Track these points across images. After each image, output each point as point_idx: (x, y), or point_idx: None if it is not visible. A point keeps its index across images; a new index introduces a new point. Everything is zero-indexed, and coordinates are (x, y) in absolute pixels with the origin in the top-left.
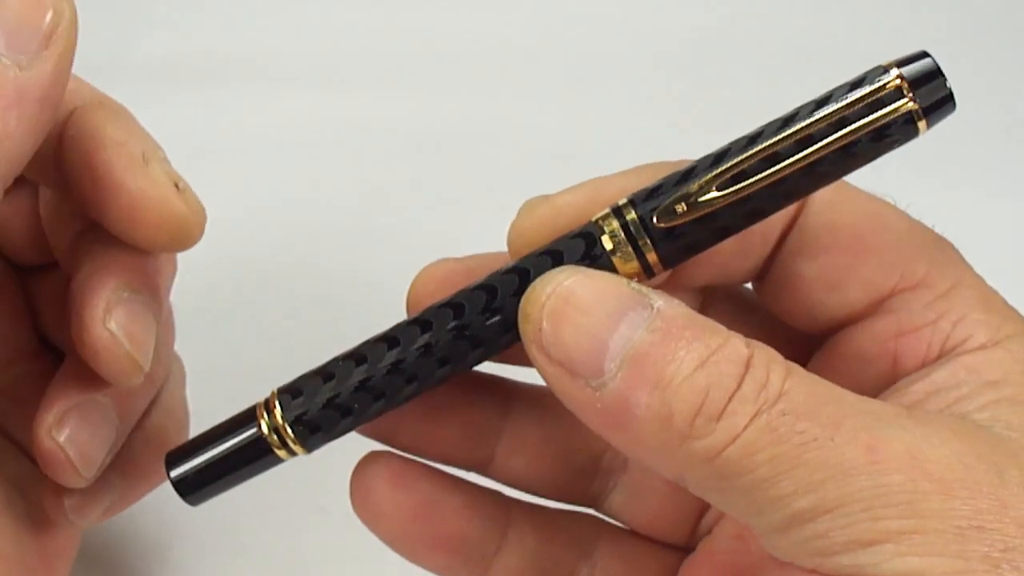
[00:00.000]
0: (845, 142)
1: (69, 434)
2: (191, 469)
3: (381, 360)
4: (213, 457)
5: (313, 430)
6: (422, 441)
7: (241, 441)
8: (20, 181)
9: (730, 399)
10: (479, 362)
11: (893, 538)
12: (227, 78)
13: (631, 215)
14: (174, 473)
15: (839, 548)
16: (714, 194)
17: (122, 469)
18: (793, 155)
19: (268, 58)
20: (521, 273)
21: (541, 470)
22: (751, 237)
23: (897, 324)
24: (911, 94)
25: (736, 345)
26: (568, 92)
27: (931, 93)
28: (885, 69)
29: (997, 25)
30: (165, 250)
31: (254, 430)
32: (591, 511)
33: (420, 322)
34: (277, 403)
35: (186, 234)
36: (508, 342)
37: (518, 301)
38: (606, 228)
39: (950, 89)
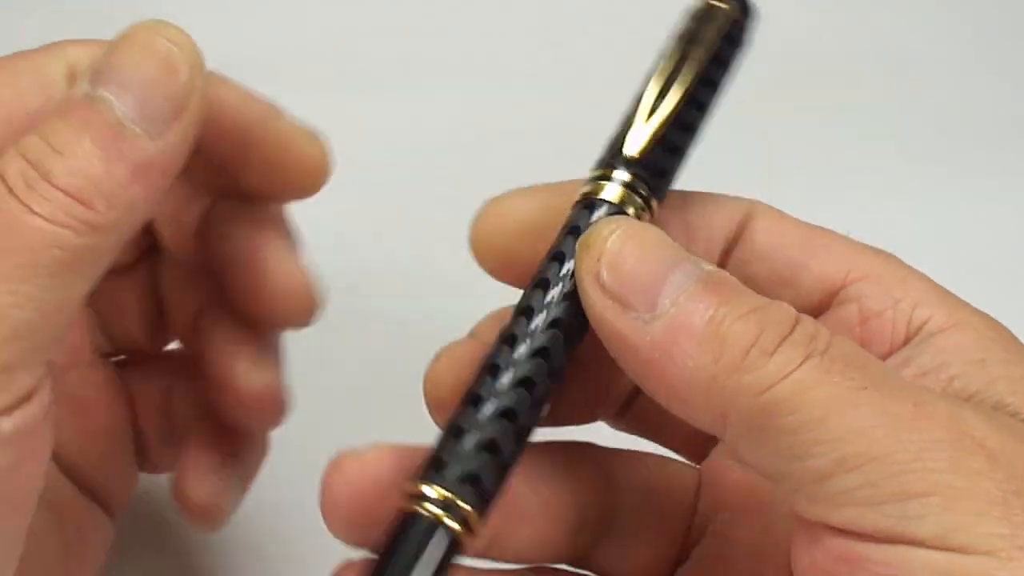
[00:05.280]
0: (706, 52)
1: (212, 490)
2: None
3: (498, 383)
4: None
5: (479, 488)
6: None
7: (423, 548)
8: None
9: (782, 341)
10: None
11: (941, 491)
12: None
13: (606, 167)
14: None
15: (887, 497)
16: (653, 119)
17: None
18: (679, 72)
19: (273, 60)
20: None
21: (539, 539)
22: (696, 247)
23: (859, 311)
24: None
25: (785, 304)
26: (579, 93)
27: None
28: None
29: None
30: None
31: (430, 527)
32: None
33: (506, 337)
34: (425, 486)
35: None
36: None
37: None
38: (603, 185)
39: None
